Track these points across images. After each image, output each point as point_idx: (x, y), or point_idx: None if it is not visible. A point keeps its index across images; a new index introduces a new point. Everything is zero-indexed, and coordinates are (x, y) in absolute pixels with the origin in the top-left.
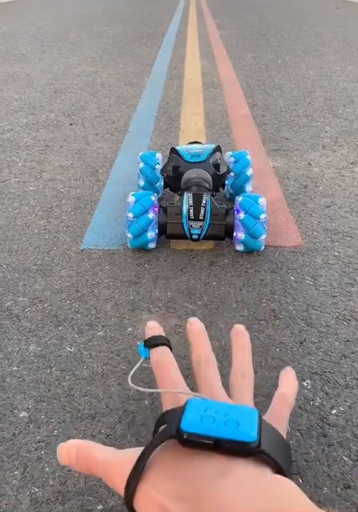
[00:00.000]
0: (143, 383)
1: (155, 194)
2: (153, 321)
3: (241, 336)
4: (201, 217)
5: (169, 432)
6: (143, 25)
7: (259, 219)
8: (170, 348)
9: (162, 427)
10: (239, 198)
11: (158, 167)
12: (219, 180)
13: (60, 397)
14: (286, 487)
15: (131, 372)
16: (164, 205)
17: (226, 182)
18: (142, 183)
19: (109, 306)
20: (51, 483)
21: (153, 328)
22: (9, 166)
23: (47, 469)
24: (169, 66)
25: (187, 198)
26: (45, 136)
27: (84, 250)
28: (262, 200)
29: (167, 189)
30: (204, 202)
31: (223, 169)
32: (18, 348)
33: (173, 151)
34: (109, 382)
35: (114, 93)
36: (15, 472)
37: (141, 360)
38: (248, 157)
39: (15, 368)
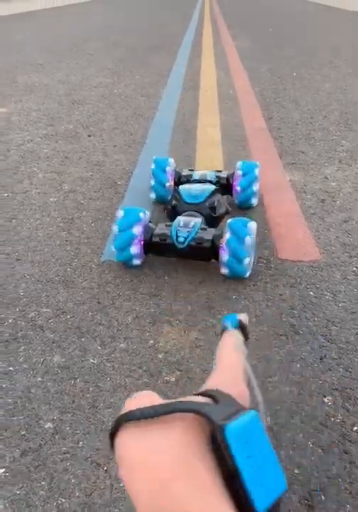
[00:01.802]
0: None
1: (146, 212)
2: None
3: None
4: (190, 226)
5: (214, 415)
6: (158, 36)
7: (244, 242)
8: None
9: (205, 399)
10: (229, 220)
11: (169, 169)
12: (214, 222)
13: (85, 408)
14: None
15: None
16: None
17: (235, 196)
18: (153, 182)
19: (130, 318)
20: (77, 494)
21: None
22: (30, 177)
23: (73, 481)
24: (185, 77)
25: (180, 219)
26: (64, 147)
27: (104, 262)
28: (251, 224)
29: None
30: (196, 220)
31: (220, 211)
32: (42, 359)
33: (176, 190)
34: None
35: (131, 105)
36: (42, 483)
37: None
38: (257, 172)
39: (40, 379)
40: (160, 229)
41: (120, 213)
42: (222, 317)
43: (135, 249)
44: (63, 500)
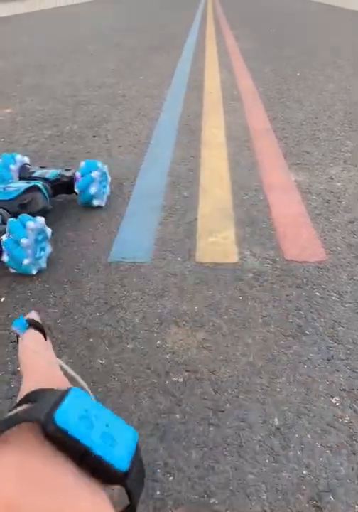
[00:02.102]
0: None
1: None
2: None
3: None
4: None
5: (36, 415)
6: (162, 38)
7: (20, 242)
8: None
9: (27, 405)
10: (10, 219)
11: (13, 168)
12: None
13: None
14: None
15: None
16: None
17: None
18: None
19: (137, 319)
20: None
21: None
22: None
23: None
24: (189, 78)
25: None
26: (69, 147)
27: (111, 263)
28: (30, 224)
29: None
30: None
31: (33, 208)
32: None
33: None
34: (140, 396)
35: (135, 105)
36: None
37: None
38: (96, 174)
39: None
40: None
41: None
42: (12, 324)
43: None
44: None
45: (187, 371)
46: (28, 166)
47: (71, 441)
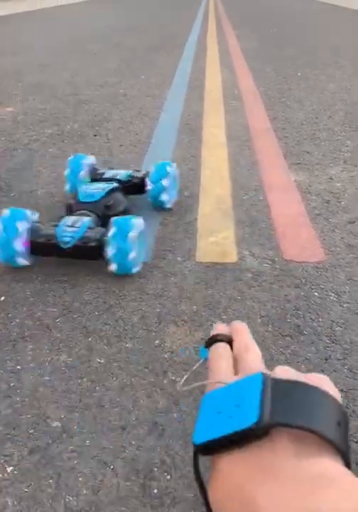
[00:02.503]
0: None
1: (34, 213)
2: (219, 323)
3: (237, 325)
4: (77, 225)
5: (194, 449)
6: (163, 37)
7: (127, 236)
8: (231, 345)
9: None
10: (114, 217)
11: (84, 170)
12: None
13: (91, 407)
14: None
15: (184, 378)
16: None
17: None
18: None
19: (136, 318)
20: (85, 492)
21: (218, 329)
22: (36, 177)
23: (80, 479)
24: (190, 77)
25: (67, 219)
26: (70, 146)
27: None
28: (135, 220)
29: None
30: (83, 219)
31: (117, 210)
32: (49, 358)
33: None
34: (138, 395)
35: (136, 104)
36: (50, 481)
37: (198, 363)
38: (170, 169)
39: (47, 378)
40: (46, 229)
41: (6, 212)
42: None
43: (18, 245)
44: (70, 498)
45: (185, 370)
46: (96, 167)
47: (214, 444)
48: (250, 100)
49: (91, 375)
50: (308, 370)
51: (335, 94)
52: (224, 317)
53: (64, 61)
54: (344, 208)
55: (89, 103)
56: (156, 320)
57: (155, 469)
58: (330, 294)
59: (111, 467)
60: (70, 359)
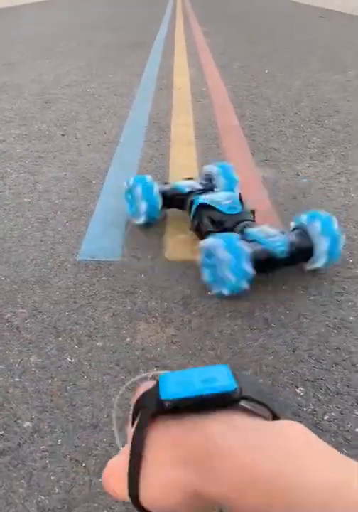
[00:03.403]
0: None
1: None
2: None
3: None
4: (272, 234)
5: (151, 409)
6: (131, 35)
7: (332, 222)
8: None
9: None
10: (302, 215)
11: (155, 189)
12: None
13: (63, 407)
14: (290, 436)
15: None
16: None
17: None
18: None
19: (106, 316)
20: (57, 491)
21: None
22: (3, 178)
23: (52, 478)
24: (158, 76)
25: (255, 230)
26: (37, 147)
27: (80, 262)
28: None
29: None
30: (271, 229)
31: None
32: (19, 360)
33: (203, 206)
34: (110, 392)
35: (104, 103)
36: (22, 481)
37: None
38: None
39: (17, 379)
40: (253, 247)
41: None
42: None
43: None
44: (43, 497)
45: (156, 367)
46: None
47: (185, 401)
48: (218, 98)
49: (61, 374)
50: (275, 362)
51: (302, 90)
52: (194, 313)
53: (32, 60)
54: (309, 202)
55: (57, 102)
56: (127, 318)
57: None
58: (298, 287)
59: (83, 465)
60: (40, 360)
